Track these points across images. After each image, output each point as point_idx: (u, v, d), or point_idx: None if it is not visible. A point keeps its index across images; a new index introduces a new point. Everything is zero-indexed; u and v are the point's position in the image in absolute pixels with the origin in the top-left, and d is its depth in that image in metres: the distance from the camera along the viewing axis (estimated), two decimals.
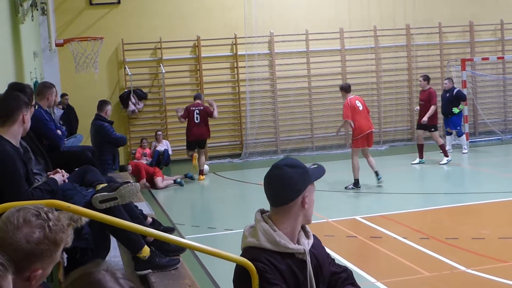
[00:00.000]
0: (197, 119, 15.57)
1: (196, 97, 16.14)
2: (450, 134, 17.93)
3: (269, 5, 19.26)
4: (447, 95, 17.34)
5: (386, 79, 20.29)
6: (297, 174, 3.10)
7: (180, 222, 11.41)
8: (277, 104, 19.41)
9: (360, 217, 11.10)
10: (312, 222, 3.18)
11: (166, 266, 5.34)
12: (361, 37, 19.99)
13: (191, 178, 15.90)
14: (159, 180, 15.06)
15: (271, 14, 19.26)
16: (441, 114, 17.41)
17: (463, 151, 17.64)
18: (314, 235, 3.33)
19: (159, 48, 18.80)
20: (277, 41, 19.42)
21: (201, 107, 15.69)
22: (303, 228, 3.27)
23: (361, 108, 13.59)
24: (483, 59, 20.18)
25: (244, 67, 19.18)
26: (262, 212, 3.22)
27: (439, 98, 17.20)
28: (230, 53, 19.40)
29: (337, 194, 13.32)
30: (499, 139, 19.99)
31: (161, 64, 18.70)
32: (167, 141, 18.02)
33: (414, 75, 20.45)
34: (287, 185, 3.08)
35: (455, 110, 17.19)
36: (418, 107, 16.23)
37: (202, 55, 19.01)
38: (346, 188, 13.67)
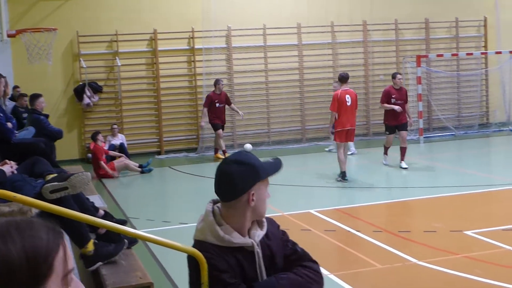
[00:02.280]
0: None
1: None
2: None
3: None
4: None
5: None
6: (243, 172, 3.00)
7: (134, 215, 11.32)
8: (234, 99, 19.35)
9: (315, 211, 11.14)
10: (267, 215, 3.13)
11: (113, 253, 5.28)
12: (319, 32, 20.08)
13: (148, 171, 15.80)
14: (130, 163, 15.30)
15: (229, 8, 19.20)
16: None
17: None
18: (271, 223, 3.25)
19: (115, 41, 18.60)
20: (235, 35, 19.39)
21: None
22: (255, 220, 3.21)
23: (349, 103, 13.50)
24: (438, 56, 20.47)
25: (201, 61, 19.09)
26: (215, 202, 3.16)
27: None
28: (187, 47, 19.30)
29: (292, 188, 13.36)
30: (452, 134, 20.30)
31: (117, 57, 18.50)
32: (122, 135, 17.84)
33: (370, 70, 20.64)
34: (231, 183, 3.00)
35: None
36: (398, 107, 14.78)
37: (159, 49, 18.87)
38: (336, 180, 13.71)
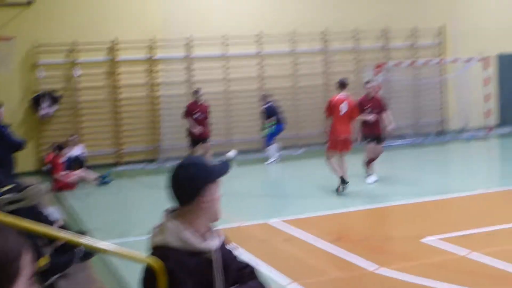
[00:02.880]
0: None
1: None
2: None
3: (187, 9, 19.15)
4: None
5: (302, 84, 20.52)
6: (194, 175, 3.07)
7: (92, 227, 11.17)
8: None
9: (274, 221, 11.13)
10: (226, 226, 3.16)
11: (68, 264, 5.20)
12: (279, 41, 20.16)
13: (107, 182, 15.66)
14: (88, 174, 15.15)
15: (190, 18, 19.16)
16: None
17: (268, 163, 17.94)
18: (222, 234, 3.30)
19: (74, 50, 18.42)
20: (195, 44, 19.35)
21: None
22: (210, 227, 3.25)
23: (343, 111, 12.95)
24: (396, 64, 20.70)
25: (161, 70, 19.01)
26: (170, 211, 3.19)
27: None
28: (147, 56, 19.19)
29: (252, 198, 13.35)
30: (410, 142, 20.51)
31: (76, 67, 18.32)
32: (81, 146, 17.64)
33: (329, 79, 20.76)
34: (183, 186, 3.08)
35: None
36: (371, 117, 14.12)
37: (119, 58, 18.75)
38: (337, 191, 13.06)
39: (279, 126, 18.22)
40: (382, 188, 13.99)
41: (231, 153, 17.29)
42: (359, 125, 14.29)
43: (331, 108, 13.02)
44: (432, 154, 18.87)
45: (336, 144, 13.11)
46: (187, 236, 3.05)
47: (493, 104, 22.05)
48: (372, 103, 14.17)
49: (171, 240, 3.05)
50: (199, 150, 16.37)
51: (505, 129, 22.37)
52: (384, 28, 21.31)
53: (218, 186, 3.16)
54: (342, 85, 13.22)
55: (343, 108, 12.98)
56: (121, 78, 18.80)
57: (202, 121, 16.52)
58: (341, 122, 12.99)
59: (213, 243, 3.17)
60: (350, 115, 13.09)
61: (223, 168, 3.21)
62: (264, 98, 18.27)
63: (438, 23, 21.92)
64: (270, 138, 18.14)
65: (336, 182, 13.18)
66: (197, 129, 16.30)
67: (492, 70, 22.01)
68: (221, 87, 19.71)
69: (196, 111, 16.40)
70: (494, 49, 22.53)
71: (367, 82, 14.78)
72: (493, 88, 22.22)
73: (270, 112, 18.11)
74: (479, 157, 18.58)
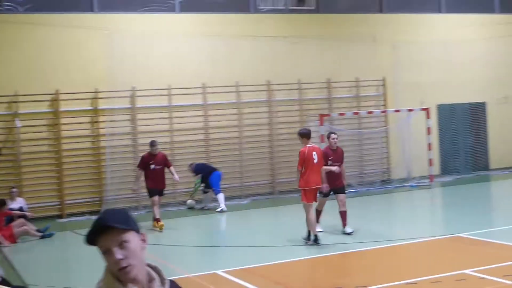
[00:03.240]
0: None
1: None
2: (207, 192, 18.80)
3: (131, 60, 19.10)
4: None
5: (248, 134, 20.58)
6: (127, 212, 3.06)
7: (33, 282, 10.82)
8: (139, 159, 19.09)
9: (222, 271, 11.00)
10: (174, 277, 3.06)
11: None
12: (224, 92, 20.25)
13: (49, 235, 15.24)
14: (29, 228, 14.86)
15: (134, 69, 19.12)
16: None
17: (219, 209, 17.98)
18: (171, 280, 3.18)
19: (15, 102, 18.11)
20: (139, 95, 19.27)
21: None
22: (159, 274, 3.12)
23: (316, 160, 12.74)
24: (340, 114, 20.97)
25: (105, 121, 18.83)
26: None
27: None
28: (91, 107, 19.00)
29: (197, 249, 13.19)
30: (355, 191, 20.67)
31: (16, 118, 17.99)
32: (22, 199, 17.19)
33: (274, 129, 20.90)
34: (124, 214, 3.00)
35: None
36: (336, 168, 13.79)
37: (61, 109, 18.50)
38: (305, 243, 12.74)
39: (216, 174, 18.56)
40: (329, 237, 13.97)
41: (193, 202, 18.22)
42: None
43: (304, 159, 12.73)
44: (377, 202, 19.02)
45: (310, 195, 12.80)
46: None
47: (435, 153, 22.47)
48: (335, 155, 14.00)
49: None
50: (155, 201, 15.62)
51: (447, 178, 22.79)
52: (327, 78, 21.63)
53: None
54: (308, 135, 13.07)
55: (315, 157, 12.78)
56: (63, 129, 18.52)
57: (158, 172, 15.69)
58: (313, 172, 12.75)
59: None
60: (320, 164, 12.90)
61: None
62: (191, 165, 18.98)
63: (380, 74, 22.39)
64: (216, 187, 18.32)
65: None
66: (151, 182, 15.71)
67: (433, 120, 22.48)
68: (167, 138, 19.59)
69: (151, 162, 15.60)
70: (433, 100, 23.10)
71: (331, 134, 14.49)
72: (434, 137, 22.67)
73: (198, 170, 18.73)
74: (423, 205, 18.82)
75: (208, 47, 20.17)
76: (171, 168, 15.98)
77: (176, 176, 15.89)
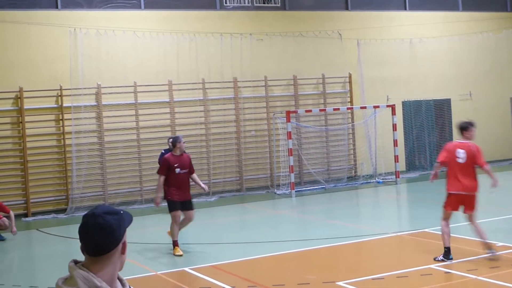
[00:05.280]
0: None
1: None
2: None
3: (96, 57, 18.97)
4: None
5: (214, 131, 20.56)
6: (117, 221, 3.02)
7: None
8: (105, 157, 19.00)
9: (190, 269, 10.98)
10: (141, 275, 3.05)
11: None
12: (190, 89, 20.19)
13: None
14: None
15: (99, 66, 18.98)
16: None
17: None
18: (127, 284, 3.20)
19: None
20: (104, 93, 19.11)
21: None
22: (118, 276, 3.14)
23: (461, 160, 10.96)
24: (306, 111, 21.06)
25: (70, 119, 18.64)
26: (76, 262, 3.07)
27: None
28: (55, 105, 18.80)
29: (164, 246, 13.13)
30: (323, 187, 20.78)
31: None
32: None
33: (242, 126, 20.91)
34: (110, 233, 2.98)
35: None
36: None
37: (25, 107, 18.27)
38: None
39: None
40: (296, 233, 14.05)
41: None
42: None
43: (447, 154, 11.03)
44: (344, 199, 19.15)
45: (452, 201, 11.06)
46: (100, 285, 2.93)
47: (401, 150, 22.67)
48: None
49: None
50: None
51: (412, 174, 23.04)
52: (294, 75, 21.70)
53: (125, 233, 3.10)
54: (464, 128, 10.89)
55: (460, 155, 10.86)
56: (28, 127, 18.30)
57: (184, 178, 12.21)
58: (461, 173, 10.91)
59: None
60: (472, 163, 10.86)
61: (129, 217, 3.16)
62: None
63: (346, 71, 22.53)
64: None
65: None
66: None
67: (398, 117, 22.68)
68: (133, 136, 19.49)
69: (176, 165, 12.09)
70: (398, 96, 23.34)
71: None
72: (400, 134, 22.88)
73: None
74: (389, 201, 18.99)
75: (173, 44, 20.08)
76: (195, 175, 12.62)
77: (204, 185, 12.79)
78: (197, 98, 20.35)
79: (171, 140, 12.91)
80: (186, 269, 11.03)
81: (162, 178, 12.07)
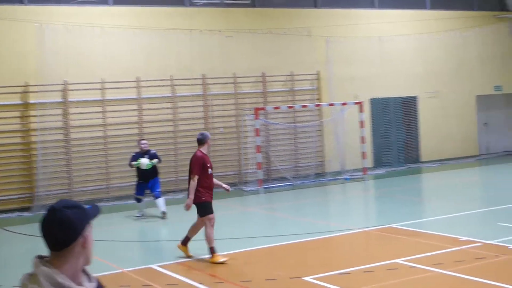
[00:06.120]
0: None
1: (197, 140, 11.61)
2: (141, 201, 16.48)
3: (63, 53, 18.76)
4: (146, 156, 16.09)
5: (183, 128, 20.47)
6: (76, 215, 2.98)
7: None
8: (71, 154, 18.80)
9: (157, 266, 10.93)
10: (108, 273, 3.01)
11: None
12: (158, 86, 20.08)
13: None
14: None
15: (66, 62, 18.76)
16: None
17: (161, 215, 16.02)
18: (97, 279, 3.16)
19: None
20: (71, 89, 18.92)
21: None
22: (84, 271, 3.10)
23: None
24: (275, 108, 21.07)
25: (36, 116, 18.41)
26: (40, 257, 3.02)
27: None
28: (21, 102, 18.54)
29: (133, 244, 13.06)
30: (291, 184, 20.83)
31: None
32: None
33: (210, 123, 20.85)
34: (68, 227, 2.94)
35: (149, 165, 15.88)
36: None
37: None
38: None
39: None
40: (264, 229, 14.04)
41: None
42: None
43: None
44: (312, 195, 19.21)
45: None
46: (62, 281, 2.90)
47: (368, 146, 22.82)
48: None
49: (46, 286, 2.89)
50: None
51: (379, 171, 23.21)
52: (262, 73, 21.70)
53: (92, 228, 3.06)
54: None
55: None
56: None
57: (211, 179, 11.45)
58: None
59: (89, 285, 3.04)
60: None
61: (95, 210, 3.13)
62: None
63: (314, 68, 22.60)
64: (156, 188, 16.53)
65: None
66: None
67: (366, 114, 22.82)
68: (100, 133, 19.32)
69: (208, 165, 11.31)
70: (366, 94, 23.49)
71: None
72: (367, 131, 23.02)
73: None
74: (357, 197, 19.09)
75: (142, 41, 19.95)
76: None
77: (226, 186, 11.88)
78: (166, 95, 20.25)
79: (200, 136, 11.55)
80: (153, 266, 10.97)
81: (196, 178, 11.08)
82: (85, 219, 3.05)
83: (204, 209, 11.23)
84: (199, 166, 11.08)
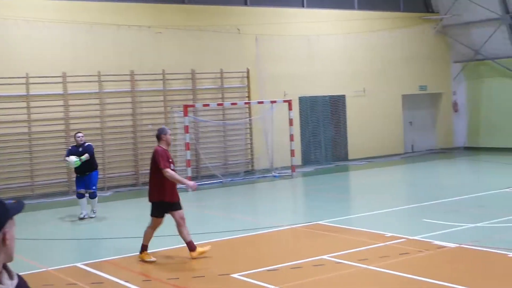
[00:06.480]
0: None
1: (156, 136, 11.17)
2: (83, 196, 15.46)
3: None
4: (80, 149, 15.25)
5: (110, 125, 20.18)
6: None
7: None
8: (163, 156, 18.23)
9: (82, 264, 10.73)
10: (31, 272, 2.93)
11: None
12: (85, 81, 19.72)
13: None
14: None
15: None
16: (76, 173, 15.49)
17: (92, 215, 15.43)
18: (18, 275, 3.07)
19: None
20: None
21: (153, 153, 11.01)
22: (5, 268, 3.01)
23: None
24: (204, 105, 21.02)
25: None
26: None
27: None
28: None
29: (57, 242, 12.81)
30: (220, 182, 20.82)
31: None
32: None
33: (138, 120, 20.63)
34: None
35: (77, 163, 14.99)
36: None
37: None
38: None
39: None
40: (193, 227, 13.96)
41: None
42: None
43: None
44: (241, 193, 19.25)
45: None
46: None
47: (297, 144, 23.02)
48: None
49: None
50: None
51: (308, 168, 23.47)
52: (192, 70, 21.60)
53: (14, 224, 2.97)
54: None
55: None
56: None
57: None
58: None
59: (9, 285, 2.95)
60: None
61: (19, 206, 3.04)
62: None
63: (244, 66, 22.64)
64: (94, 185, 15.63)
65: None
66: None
67: (295, 112, 23.02)
68: (24, 129, 18.85)
69: (170, 160, 10.94)
70: (295, 92, 23.70)
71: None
72: (296, 129, 23.23)
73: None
74: (285, 194, 19.22)
75: (69, 35, 19.57)
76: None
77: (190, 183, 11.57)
78: (93, 91, 19.93)
79: (156, 132, 11.18)
80: (78, 264, 10.78)
81: (171, 170, 10.56)
82: (5, 214, 2.96)
83: (176, 206, 10.81)
84: (166, 159, 10.67)
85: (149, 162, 11.24)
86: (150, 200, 10.95)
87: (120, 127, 20.45)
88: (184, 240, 10.70)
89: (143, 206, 17.15)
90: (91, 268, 10.46)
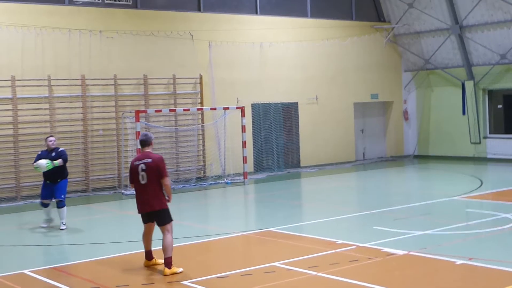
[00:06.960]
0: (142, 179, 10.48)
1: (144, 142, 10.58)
2: (47, 205, 14.96)
3: None
4: (53, 154, 14.61)
5: (60, 129, 19.89)
6: None
7: None
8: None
9: (29, 271, 10.53)
10: None
11: None
12: (35, 86, 19.41)
13: None
14: None
15: None
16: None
17: (62, 227, 14.58)
18: None
19: None
20: None
21: (149, 160, 10.44)
22: None
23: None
24: (156, 111, 20.86)
25: None
26: None
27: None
28: None
29: (4, 249, 12.54)
30: (171, 188, 20.62)
31: None
32: None
33: (89, 125, 20.38)
34: None
35: (49, 166, 14.33)
36: None
37: None
38: None
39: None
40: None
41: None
42: None
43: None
44: (192, 199, 19.16)
45: None
46: None
47: (249, 151, 23.03)
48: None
49: None
50: None
51: (260, 175, 23.51)
52: (144, 75, 21.44)
53: None
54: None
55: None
56: None
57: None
58: None
59: None
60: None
61: None
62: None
63: (197, 72, 22.58)
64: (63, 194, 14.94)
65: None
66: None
67: (248, 119, 23.03)
68: None
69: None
70: (248, 99, 23.74)
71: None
72: (249, 135, 23.24)
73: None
74: (237, 201, 19.19)
75: (18, 38, 19.23)
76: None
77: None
78: (42, 95, 19.61)
79: (143, 137, 10.56)
80: (25, 271, 10.57)
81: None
82: None
83: (169, 215, 10.68)
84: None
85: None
86: (148, 210, 10.61)
87: (70, 132, 20.16)
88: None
89: (93, 212, 16.99)
90: (38, 275, 10.27)
